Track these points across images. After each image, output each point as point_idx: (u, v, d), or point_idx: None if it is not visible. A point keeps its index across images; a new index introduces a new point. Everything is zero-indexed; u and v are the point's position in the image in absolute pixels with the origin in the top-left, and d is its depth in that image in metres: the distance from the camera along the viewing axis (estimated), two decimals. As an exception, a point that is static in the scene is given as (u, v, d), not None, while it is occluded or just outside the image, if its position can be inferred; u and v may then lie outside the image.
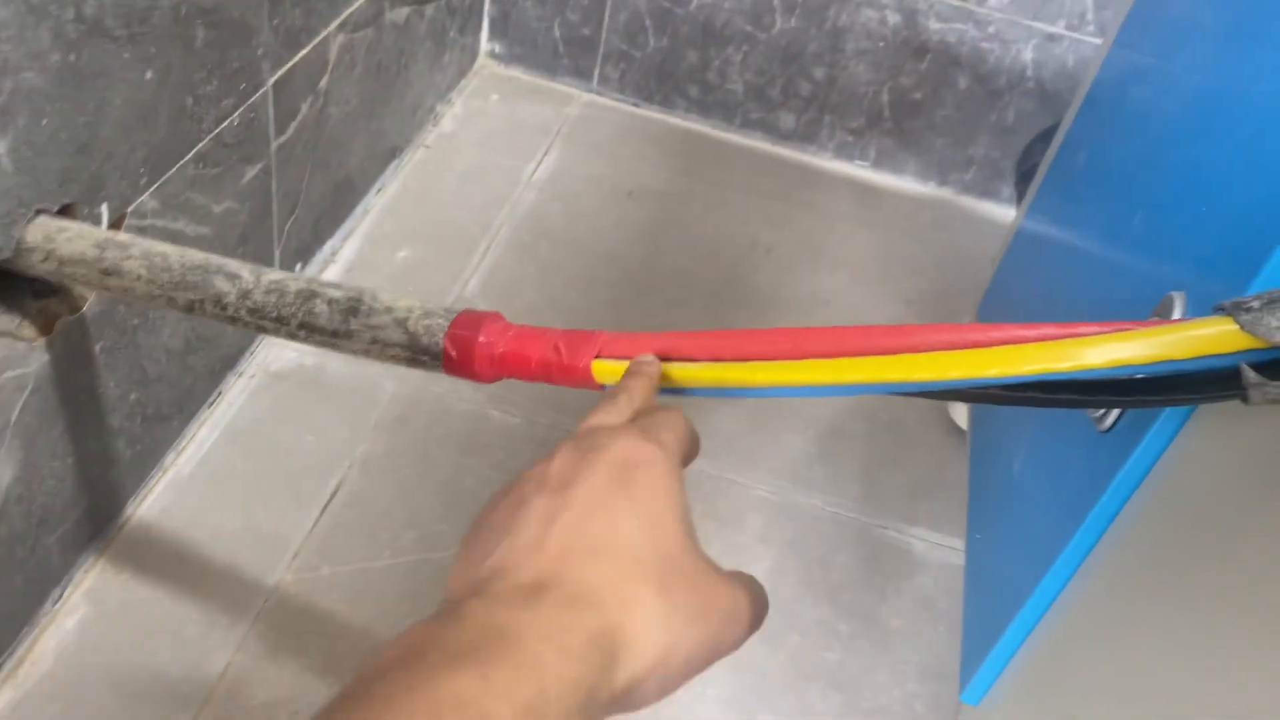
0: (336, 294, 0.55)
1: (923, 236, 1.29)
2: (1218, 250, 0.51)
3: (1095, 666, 0.57)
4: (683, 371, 0.47)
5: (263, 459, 0.86)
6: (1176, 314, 0.52)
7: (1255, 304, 0.36)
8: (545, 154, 1.26)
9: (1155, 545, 0.52)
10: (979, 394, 0.43)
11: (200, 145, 0.75)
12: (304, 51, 0.87)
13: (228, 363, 0.90)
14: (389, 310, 0.54)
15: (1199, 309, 0.49)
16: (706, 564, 0.34)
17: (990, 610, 0.68)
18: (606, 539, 0.32)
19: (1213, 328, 0.36)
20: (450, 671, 0.27)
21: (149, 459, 0.81)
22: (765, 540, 0.90)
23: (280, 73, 0.84)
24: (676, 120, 1.38)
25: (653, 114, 1.38)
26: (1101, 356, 0.38)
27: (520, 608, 0.29)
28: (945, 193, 1.37)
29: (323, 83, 0.93)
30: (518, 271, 1.09)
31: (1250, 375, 0.36)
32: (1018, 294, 0.90)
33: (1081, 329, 0.40)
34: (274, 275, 0.57)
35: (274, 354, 0.94)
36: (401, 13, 1.07)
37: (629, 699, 0.31)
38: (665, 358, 0.48)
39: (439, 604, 0.30)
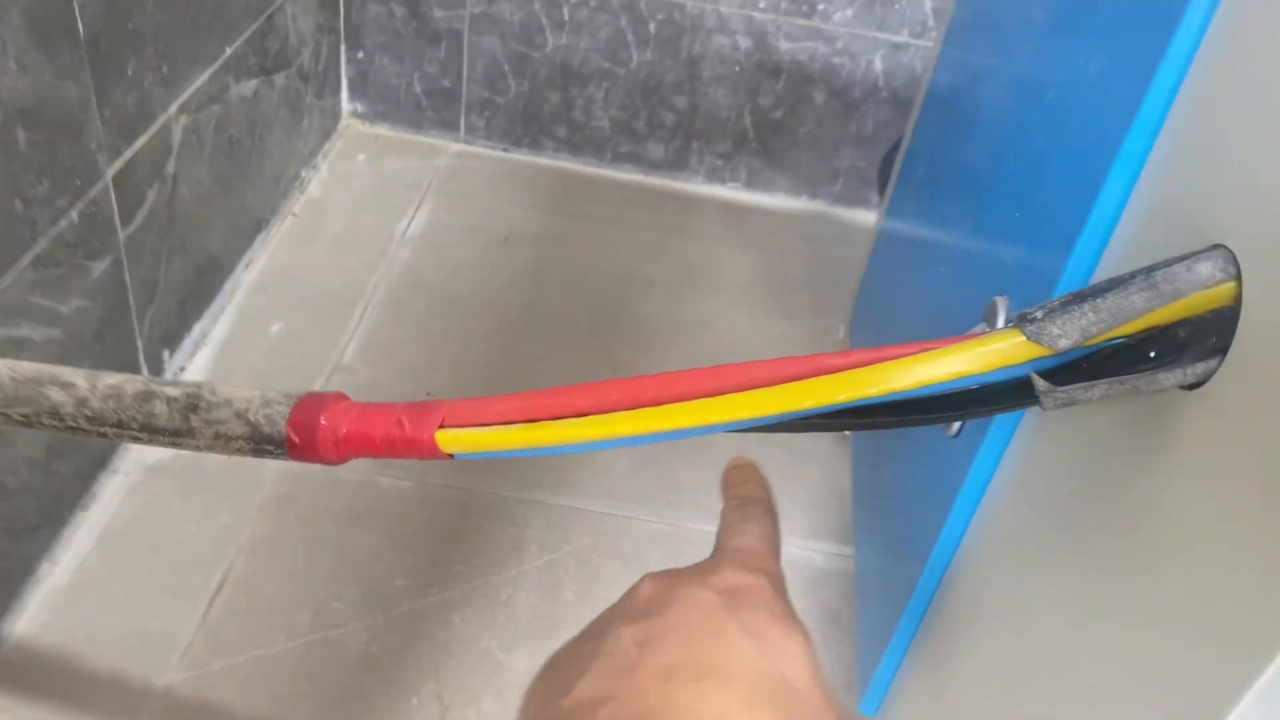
0: (175, 392, 0.54)
1: (800, 251, 1.31)
2: (1031, 253, 0.53)
3: (976, 663, 0.58)
4: (525, 433, 0.48)
5: (144, 557, 0.84)
6: (1000, 318, 0.54)
7: (1039, 314, 0.37)
8: (417, 209, 1.26)
9: (1013, 536, 0.54)
10: (803, 424, 0.43)
11: (37, 247, 0.73)
12: (143, 139, 0.86)
13: (98, 462, 0.87)
14: (228, 403, 0.53)
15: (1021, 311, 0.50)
16: (839, 704, 0.28)
17: (879, 617, 0.70)
18: (716, 661, 0.26)
19: (1004, 341, 0.38)
20: None
21: (19, 574, 0.78)
22: (668, 572, 0.90)
23: (119, 163, 0.82)
24: (547, 161, 1.39)
25: (522, 157, 1.38)
26: (907, 378, 0.39)
27: None
28: (817, 206, 1.40)
29: (169, 167, 0.91)
30: (397, 332, 1.08)
31: (1040, 384, 0.37)
32: (883, 301, 0.93)
33: (888, 352, 0.41)
34: (111, 379, 0.56)
35: (149, 447, 0.92)
36: (249, 85, 1.06)
37: None
38: (509, 421, 0.48)
39: None
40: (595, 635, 0.28)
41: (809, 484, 1.00)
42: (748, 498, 0.37)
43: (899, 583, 0.66)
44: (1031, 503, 0.51)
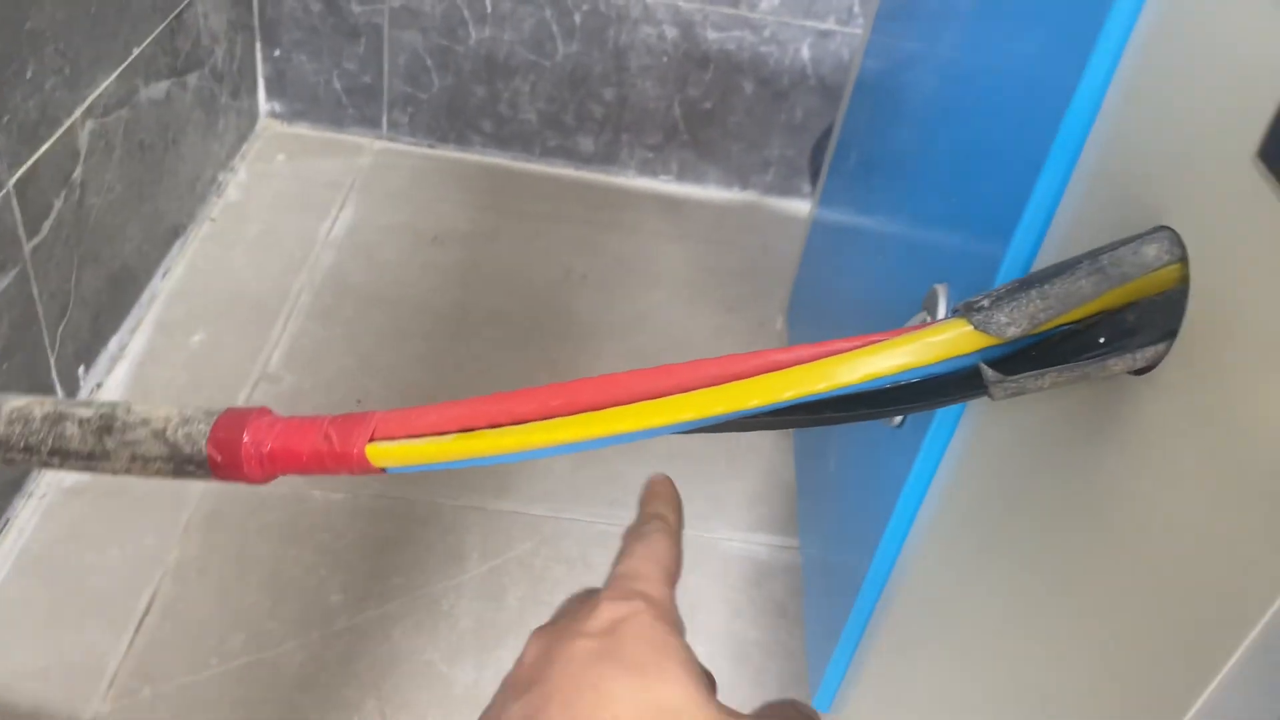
0: (87, 413, 0.51)
1: (734, 242, 1.30)
2: (970, 239, 0.53)
3: (931, 655, 0.58)
4: (461, 443, 0.46)
5: (64, 584, 0.80)
6: (941, 305, 0.54)
7: (985, 303, 0.37)
8: (341, 209, 1.22)
9: (960, 526, 0.53)
10: (750, 423, 0.42)
11: (-67, 263, 0.69)
12: (47, 145, 0.81)
13: (12, 486, 0.83)
14: (145, 422, 0.50)
15: (962, 299, 0.50)
16: (728, 713, 0.29)
17: (827, 610, 0.69)
18: (595, 718, 0.27)
19: (950, 331, 0.37)
20: None
21: (-71, 608, 0.74)
22: (613, 573, 0.89)
23: (21, 171, 0.78)
24: (474, 157, 1.36)
25: (449, 153, 1.36)
26: (854, 372, 0.38)
27: None
28: (749, 196, 1.39)
29: (76, 174, 0.87)
30: (323, 337, 1.05)
31: (989, 373, 0.36)
32: (820, 290, 0.92)
33: (835, 346, 0.40)
34: (17, 402, 0.53)
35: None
36: (159, 87, 1.02)
37: None
38: (441, 431, 0.46)
39: None
40: (493, 718, 0.28)
41: (752, 477, 0.99)
42: (648, 516, 0.36)
43: (847, 575, 0.65)
44: (979, 492, 0.50)
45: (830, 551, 0.72)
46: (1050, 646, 0.42)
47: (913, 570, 0.59)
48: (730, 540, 0.93)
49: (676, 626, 0.30)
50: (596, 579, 0.98)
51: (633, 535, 0.35)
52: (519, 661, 0.30)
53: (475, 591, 0.84)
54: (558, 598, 0.34)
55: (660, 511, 0.36)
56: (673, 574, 0.33)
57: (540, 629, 0.31)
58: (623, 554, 0.34)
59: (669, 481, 0.39)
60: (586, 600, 0.32)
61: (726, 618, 0.87)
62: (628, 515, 0.99)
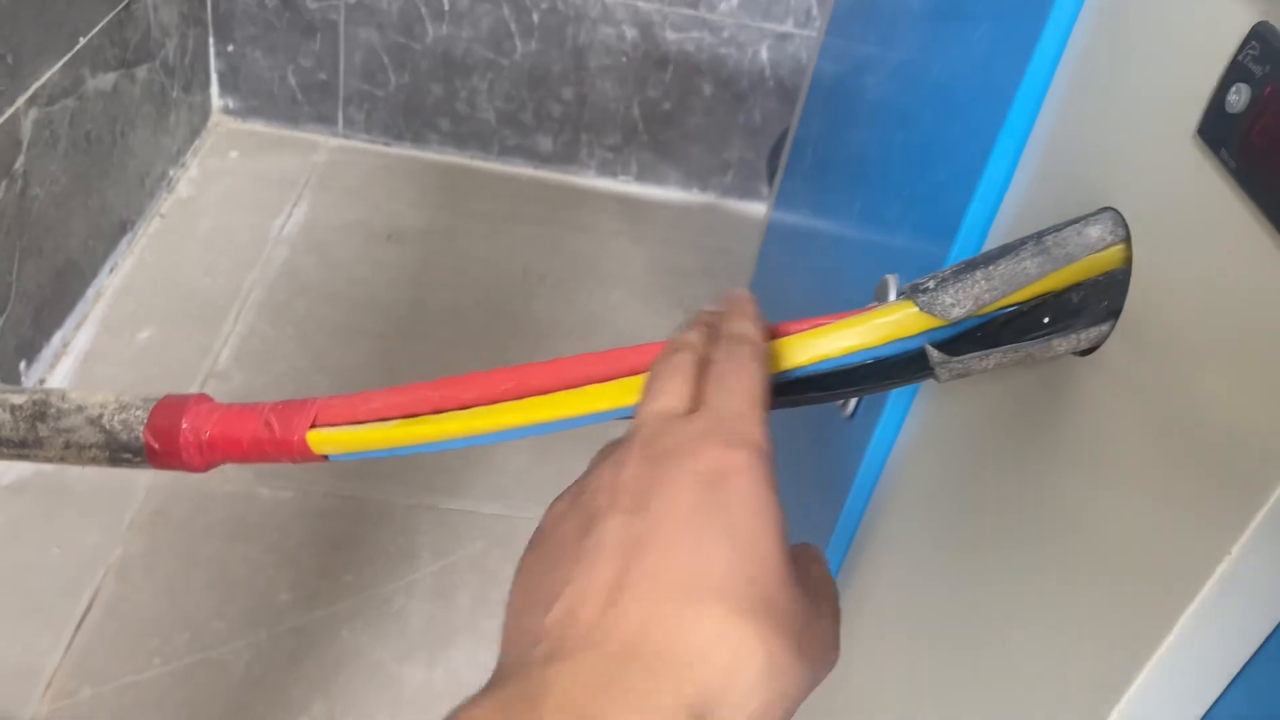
0: (19, 399, 0.50)
1: (692, 243, 1.30)
2: (921, 230, 0.53)
3: (883, 645, 0.58)
4: (405, 429, 0.45)
5: (1, 583, 0.78)
6: (891, 294, 0.54)
7: (930, 284, 0.36)
8: (294, 206, 1.21)
9: (911, 515, 0.53)
10: (698, 408, 0.42)
11: None
12: (-14, 133, 0.80)
13: (-53, 483, 0.81)
14: (80, 409, 0.49)
15: (910, 288, 0.50)
16: (802, 593, 0.28)
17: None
18: (697, 578, 0.26)
19: (897, 313, 0.37)
20: None
21: None
22: (568, 572, 0.88)
23: (-41, 159, 0.76)
24: (431, 155, 1.35)
25: (405, 151, 1.34)
26: (803, 354, 0.38)
27: (602, 685, 0.25)
28: (708, 198, 1.39)
29: (18, 164, 0.85)
30: (274, 335, 1.03)
31: (934, 354, 0.36)
32: (776, 290, 0.92)
33: (784, 329, 0.39)
34: (-54, 388, 0.51)
35: (2, 465, 0.86)
36: (107, 79, 1.00)
37: None
38: (384, 418, 0.45)
39: (498, 665, 0.26)
40: (581, 527, 0.28)
41: (708, 476, 0.99)
42: (737, 337, 0.34)
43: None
44: (929, 479, 0.50)
45: (784, 547, 0.72)
46: (1002, 631, 0.42)
47: (865, 562, 0.59)
48: (686, 539, 0.93)
49: (776, 486, 0.29)
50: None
51: (727, 358, 0.33)
52: (615, 468, 0.29)
53: (426, 591, 0.83)
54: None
55: (746, 331, 0.34)
56: (767, 410, 0.32)
57: (645, 440, 0.30)
58: (718, 384, 0.32)
59: (752, 299, 0.36)
60: (694, 425, 0.30)
61: (681, 616, 0.86)
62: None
